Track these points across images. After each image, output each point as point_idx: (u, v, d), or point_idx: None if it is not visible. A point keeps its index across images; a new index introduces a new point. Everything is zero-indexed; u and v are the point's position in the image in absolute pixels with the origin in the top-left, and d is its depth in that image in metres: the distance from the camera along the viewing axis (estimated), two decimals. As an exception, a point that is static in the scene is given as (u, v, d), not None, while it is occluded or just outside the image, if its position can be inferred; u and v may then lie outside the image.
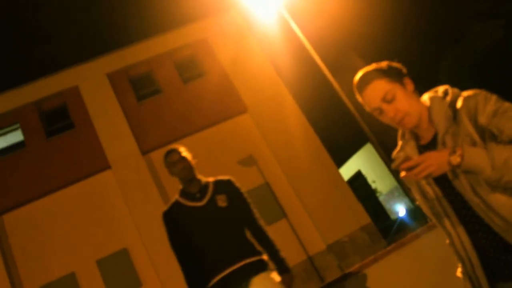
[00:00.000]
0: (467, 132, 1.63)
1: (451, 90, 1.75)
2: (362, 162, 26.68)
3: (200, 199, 3.29)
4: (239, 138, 15.25)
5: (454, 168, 1.58)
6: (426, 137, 1.80)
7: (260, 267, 3.18)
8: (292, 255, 13.72)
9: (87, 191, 14.13)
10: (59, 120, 15.21)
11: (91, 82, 15.49)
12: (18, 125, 15.01)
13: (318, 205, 14.44)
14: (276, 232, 13.96)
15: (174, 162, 3.32)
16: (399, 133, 1.93)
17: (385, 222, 22.84)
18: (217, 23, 17.17)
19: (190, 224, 3.24)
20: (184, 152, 3.37)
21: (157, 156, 14.59)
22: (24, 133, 14.80)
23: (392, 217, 24.36)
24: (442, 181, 1.74)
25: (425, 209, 1.89)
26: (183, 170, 3.30)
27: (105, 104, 15.18)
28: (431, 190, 1.79)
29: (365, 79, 1.80)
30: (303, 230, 14.12)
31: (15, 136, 15.00)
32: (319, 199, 14.50)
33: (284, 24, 12.22)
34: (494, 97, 1.64)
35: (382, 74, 1.78)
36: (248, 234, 3.32)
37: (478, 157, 1.53)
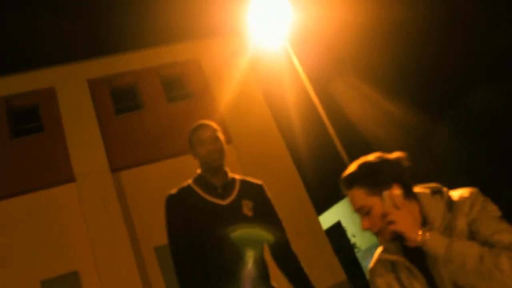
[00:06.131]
0: (460, 234, 1.70)
1: (445, 190, 1.82)
2: (343, 213, 26.53)
3: (222, 197, 2.69)
4: (219, 168, 14.99)
5: (416, 244, 1.68)
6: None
7: None
8: (257, 306, 13.35)
9: (45, 202, 13.64)
10: (28, 120, 14.88)
11: (69, 85, 15.23)
12: (-18, 119, 14.60)
13: (293, 254, 14.15)
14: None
15: (204, 139, 2.74)
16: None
17: (360, 281, 22.59)
18: (212, 45, 17.24)
19: (203, 223, 2.60)
20: (219, 131, 2.82)
21: (127, 176, 14.30)
22: (-14, 129, 14.38)
23: (368, 277, 24.09)
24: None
25: None
26: (214, 153, 2.72)
27: (80, 112, 14.90)
28: None
29: (346, 182, 1.84)
30: (273, 278, 13.76)
31: (-24, 131, 14.54)
32: (294, 248, 14.19)
33: (285, 58, 12.15)
34: (481, 200, 1.74)
35: (363, 183, 1.79)
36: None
37: (438, 243, 1.64)
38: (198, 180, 2.77)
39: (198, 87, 16.45)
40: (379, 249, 1.94)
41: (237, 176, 2.87)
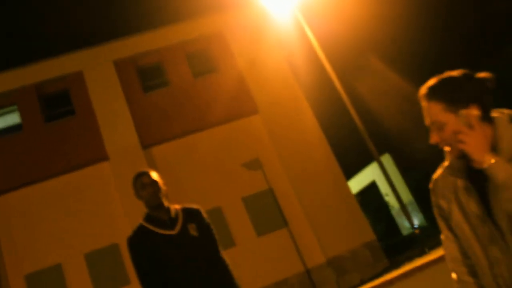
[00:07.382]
0: None
1: None
2: (377, 173, 26.58)
3: (171, 227, 3.28)
4: (247, 139, 15.32)
5: (480, 166, 1.67)
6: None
7: None
8: (289, 266, 13.88)
9: (82, 181, 14.33)
10: (59, 105, 15.36)
11: (96, 68, 15.61)
12: (15, 106, 15.17)
13: (322, 216, 14.56)
14: (275, 241, 13.99)
15: (145, 184, 3.32)
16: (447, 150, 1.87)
17: (396, 237, 22.88)
18: (235, 17, 17.19)
19: (164, 254, 3.20)
20: (156, 176, 3.40)
21: (158, 151, 14.78)
22: (21, 116, 14.97)
23: (404, 232, 24.32)
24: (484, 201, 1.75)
25: (466, 230, 1.81)
26: (152, 195, 3.31)
27: (109, 93, 15.31)
28: (476, 207, 1.75)
29: (426, 95, 1.81)
30: (304, 241, 14.22)
31: (12, 118, 15.19)
32: (323, 211, 14.59)
33: (302, 27, 12.27)
34: None
35: (442, 98, 1.76)
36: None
37: (500, 168, 1.62)
38: (148, 218, 3.34)
39: (222, 60, 16.53)
40: (445, 163, 1.91)
41: (177, 206, 3.47)
